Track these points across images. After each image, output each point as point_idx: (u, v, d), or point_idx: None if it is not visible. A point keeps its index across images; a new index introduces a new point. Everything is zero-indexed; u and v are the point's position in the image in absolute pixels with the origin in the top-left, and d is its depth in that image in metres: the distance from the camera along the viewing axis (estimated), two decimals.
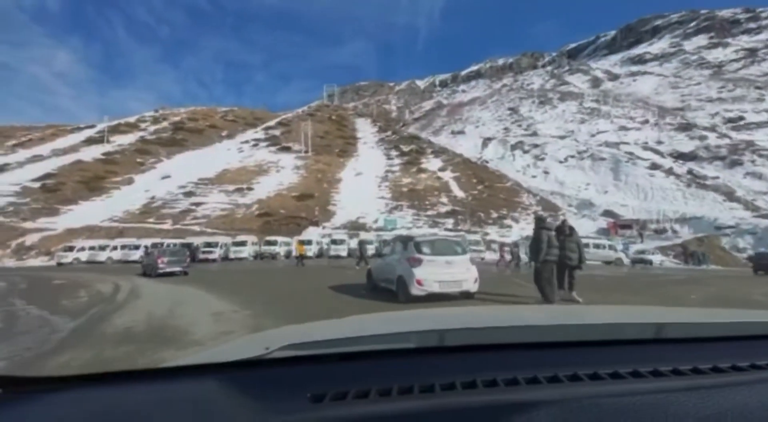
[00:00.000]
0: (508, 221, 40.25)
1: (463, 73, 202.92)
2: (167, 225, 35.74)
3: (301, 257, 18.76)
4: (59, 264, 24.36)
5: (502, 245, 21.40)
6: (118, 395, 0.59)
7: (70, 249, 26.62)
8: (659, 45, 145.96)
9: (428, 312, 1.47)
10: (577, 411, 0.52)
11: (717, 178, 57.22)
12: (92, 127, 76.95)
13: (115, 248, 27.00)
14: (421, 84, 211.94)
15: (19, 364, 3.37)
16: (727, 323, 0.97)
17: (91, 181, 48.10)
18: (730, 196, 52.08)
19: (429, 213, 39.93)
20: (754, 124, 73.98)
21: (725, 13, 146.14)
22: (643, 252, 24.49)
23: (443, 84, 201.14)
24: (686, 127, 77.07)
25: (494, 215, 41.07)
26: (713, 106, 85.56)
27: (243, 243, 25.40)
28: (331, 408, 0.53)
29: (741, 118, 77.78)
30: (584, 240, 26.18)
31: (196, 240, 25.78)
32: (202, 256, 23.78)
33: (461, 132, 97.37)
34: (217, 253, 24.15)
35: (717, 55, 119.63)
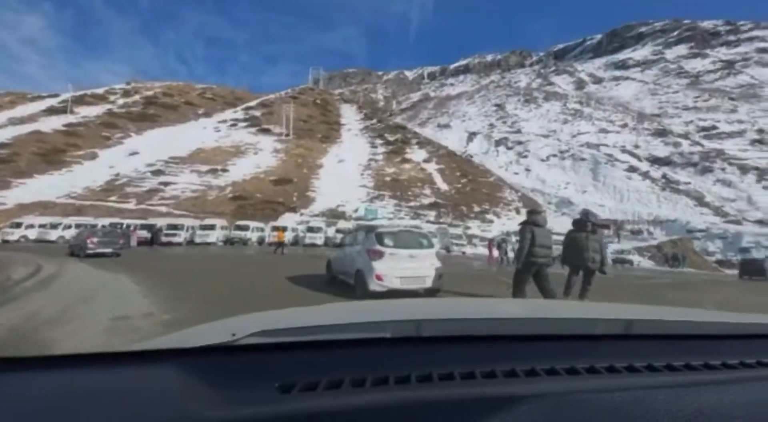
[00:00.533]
0: (490, 216, 39.90)
1: (452, 66, 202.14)
2: (131, 205, 33.28)
3: (280, 244, 17.26)
4: (4, 242, 22.05)
5: (490, 241, 20.08)
6: (76, 377, 0.57)
7: (17, 226, 24.13)
8: (642, 52, 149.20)
9: (405, 302, 1.43)
10: (555, 405, 0.51)
11: (689, 183, 59.13)
12: (56, 96, 71.51)
13: (68, 226, 24.58)
14: (409, 75, 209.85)
15: None
16: (699, 322, 0.98)
17: (50, 153, 44.42)
18: (700, 201, 53.96)
19: (411, 204, 39.01)
20: (725, 133, 76.77)
21: (707, 24, 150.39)
22: (622, 252, 24.44)
23: (432, 76, 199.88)
24: (662, 133, 79.34)
25: (476, 209, 40.61)
26: (689, 114, 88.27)
27: (211, 227, 23.52)
28: (301, 399, 0.50)
29: (714, 128, 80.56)
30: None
31: (160, 222, 23.80)
32: (165, 239, 21.93)
33: (447, 125, 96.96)
34: (182, 237, 22.32)
35: (695, 65, 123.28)
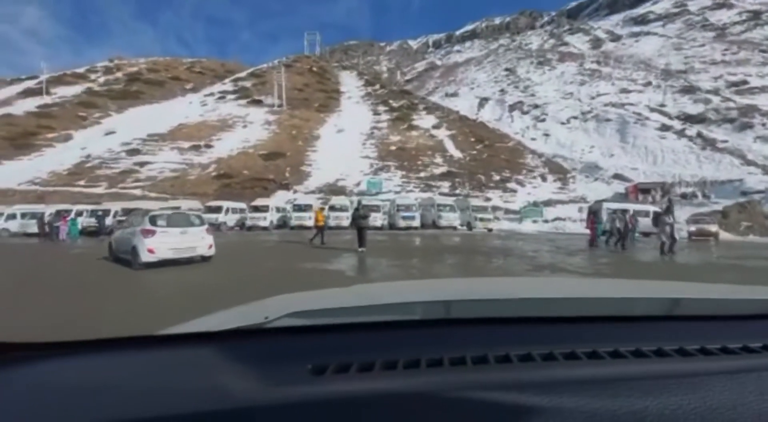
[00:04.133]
0: (512, 184, 34.74)
1: (458, 33, 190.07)
2: (101, 189, 29.04)
3: (320, 230, 12.26)
4: None
5: (592, 213, 12.94)
6: (113, 361, 0.58)
7: None
8: (663, 5, 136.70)
9: (434, 282, 1.45)
10: (600, 391, 0.48)
11: (726, 141, 53.00)
12: (35, 78, 66.78)
13: (12, 216, 20.43)
14: (413, 44, 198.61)
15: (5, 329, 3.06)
16: (753, 300, 0.89)
17: (19, 137, 40.23)
18: (744, 159, 48.08)
19: (421, 174, 33.98)
20: (757, 88, 69.30)
21: None
22: (698, 221, 18.96)
23: (437, 44, 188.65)
24: (689, 90, 72.11)
25: (496, 178, 35.42)
26: (717, 68, 79.95)
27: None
28: (333, 382, 0.51)
29: (745, 82, 72.89)
30: (624, 206, 20.76)
31: (116, 207, 19.40)
32: (119, 227, 17.54)
33: (455, 94, 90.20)
34: None
35: (721, 16, 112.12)
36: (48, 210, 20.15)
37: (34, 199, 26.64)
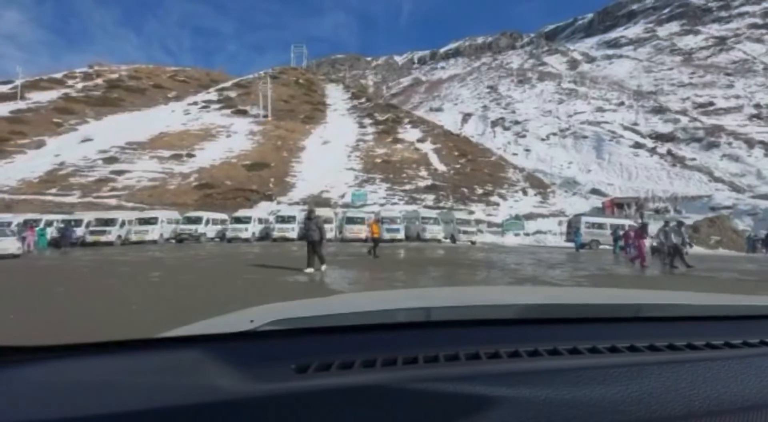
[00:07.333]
0: (494, 198, 35.36)
1: (442, 50, 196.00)
2: (74, 198, 27.93)
3: (375, 242, 12.02)
4: None
5: (643, 226, 11.69)
6: (103, 364, 0.59)
7: None
8: (634, 30, 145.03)
9: (414, 291, 1.48)
10: (556, 381, 0.54)
11: (694, 159, 55.85)
12: (9, 82, 64.44)
13: None
14: (399, 60, 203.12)
15: None
16: (701, 305, 1.00)
17: None
18: (712, 176, 50.69)
19: (406, 187, 34.19)
20: (723, 109, 73.63)
21: (698, 0, 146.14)
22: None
23: (422, 61, 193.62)
24: (660, 110, 76.08)
25: (479, 191, 36.00)
26: (685, 90, 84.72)
27: (152, 221, 18.34)
28: (315, 378, 0.53)
29: (711, 104, 77.36)
30: (600, 221, 21.37)
31: (88, 216, 18.64)
32: (90, 238, 16.88)
33: (439, 109, 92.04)
34: (114, 234, 17.24)
35: (688, 41, 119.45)
36: (15, 219, 19.22)
37: (1, 208, 25.41)
